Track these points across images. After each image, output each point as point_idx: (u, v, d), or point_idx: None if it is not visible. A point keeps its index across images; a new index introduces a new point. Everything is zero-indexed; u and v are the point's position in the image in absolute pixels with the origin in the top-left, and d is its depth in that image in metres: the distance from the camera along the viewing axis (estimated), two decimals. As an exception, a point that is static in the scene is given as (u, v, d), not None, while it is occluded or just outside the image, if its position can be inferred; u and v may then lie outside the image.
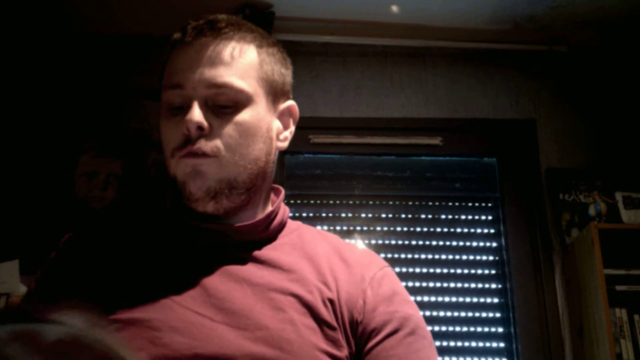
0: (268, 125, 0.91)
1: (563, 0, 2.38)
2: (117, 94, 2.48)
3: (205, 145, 0.84)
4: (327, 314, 0.83)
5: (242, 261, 0.86)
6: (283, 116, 0.95)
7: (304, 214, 2.47)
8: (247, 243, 0.88)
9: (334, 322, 0.83)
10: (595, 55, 2.66)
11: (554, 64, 2.66)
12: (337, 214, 2.48)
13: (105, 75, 2.51)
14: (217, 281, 0.83)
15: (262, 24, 2.43)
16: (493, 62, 2.66)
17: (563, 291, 2.34)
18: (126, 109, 2.46)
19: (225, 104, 0.86)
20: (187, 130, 0.84)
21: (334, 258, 0.90)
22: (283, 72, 0.94)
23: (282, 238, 0.92)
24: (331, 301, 0.84)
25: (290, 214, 1.00)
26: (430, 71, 2.65)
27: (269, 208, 0.94)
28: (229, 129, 0.85)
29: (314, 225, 2.52)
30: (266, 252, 0.88)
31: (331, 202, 2.50)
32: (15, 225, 2.25)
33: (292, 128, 0.97)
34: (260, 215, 0.91)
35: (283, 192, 0.98)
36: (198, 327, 0.78)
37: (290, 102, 0.97)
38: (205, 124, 0.84)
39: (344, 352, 0.82)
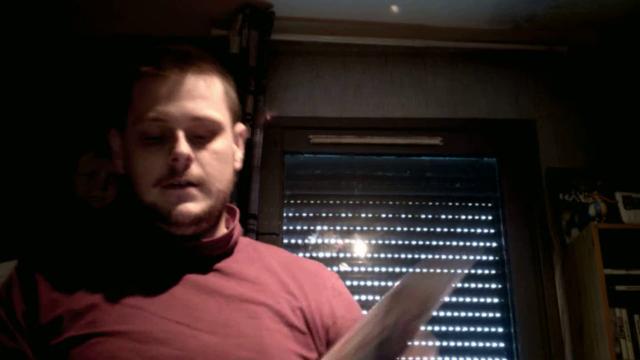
0: (233, 150, 0.99)
1: (563, 0, 2.38)
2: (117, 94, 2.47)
3: (191, 175, 0.89)
4: (297, 321, 0.90)
5: (208, 273, 0.92)
6: (237, 138, 1.02)
7: (304, 214, 2.47)
8: (210, 257, 0.94)
9: (304, 328, 0.91)
10: (596, 55, 2.66)
11: (554, 64, 2.66)
12: (337, 214, 2.48)
13: (106, 76, 2.51)
14: (190, 293, 0.88)
15: (262, 24, 2.44)
16: (493, 62, 2.65)
17: (563, 291, 2.34)
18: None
19: (204, 134, 0.92)
20: (175, 162, 0.88)
21: (294, 268, 0.98)
22: (237, 97, 1.01)
23: (239, 253, 0.98)
24: (301, 309, 0.92)
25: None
26: (430, 71, 2.65)
27: (230, 225, 1.01)
28: (208, 158, 0.92)
29: (314, 225, 2.53)
30: (228, 264, 0.94)
31: (331, 202, 2.50)
32: (15, 225, 2.25)
33: (242, 148, 1.04)
34: (222, 232, 0.98)
35: (238, 211, 1.05)
36: (181, 337, 0.81)
37: (242, 126, 1.04)
38: (192, 155, 0.89)
39: (314, 355, 0.89)
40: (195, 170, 0.90)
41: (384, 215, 2.49)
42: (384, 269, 2.39)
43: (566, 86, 2.64)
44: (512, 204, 2.47)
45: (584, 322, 2.18)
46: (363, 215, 2.49)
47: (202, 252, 0.93)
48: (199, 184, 0.90)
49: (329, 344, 0.91)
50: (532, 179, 2.49)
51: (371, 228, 2.46)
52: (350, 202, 2.50)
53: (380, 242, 2.44)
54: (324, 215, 2.48)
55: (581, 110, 2.60)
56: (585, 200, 2.40)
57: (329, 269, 1.06)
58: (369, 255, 2.42)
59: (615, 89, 2.63)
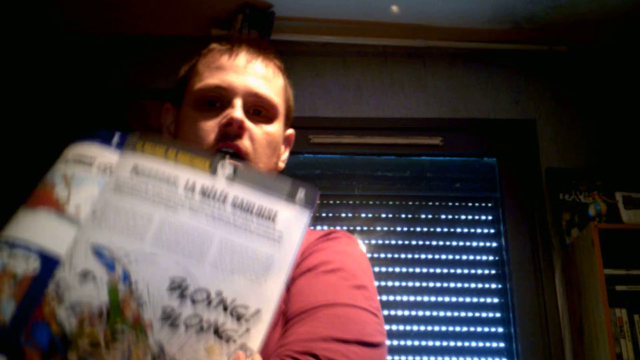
0: (280, 144, 0.98)
1: (563, 0, 2.38)
2: (118, 94, 2.48)
3: (241, 145, 0.89)
4: None
5: None
6: (285, 140, 1.03)
7: (304, 214, 2.46)
8: None
9: None
10: (595, 55, 2.66)
11: (554, 64, 2.66)
12: (337, 214, 2.48)
13: (106, 76, 2.52)
14: None
15: (262, 24, 2.44)
16: (493, 62, 2.66)
17: (563, 291, 2.34)
18: (127, 109, 2.46)
19: (260, 113, 0.93)
20: (228, 127, 0.88)
21: None
22: (293, 105, 1.03)
23: None
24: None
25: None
26: (430, 71, 2.65)
27: None
28: (260, 136, 0.91)
29: (314, 225, 2.52)
30: None
31: (331, 202, 2.50)
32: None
33: (287, 153, 1.04)
34: None
35: None
36: None
37: (292, 130, 1.04)
38: (246, 124, 0.89)
39: None
40: (245, 142, 0.89)
41: (384, 215, 2.49)
42: (384, 269, 2.39)
43: (566, 86, 2.64)
44: (512, 204, 2.47)
45: (584, 322, 2.18)
46: (363, 215, 2.49)
47: None
48: (246, 158, 0.89)
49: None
50: (532, 179, 2.49)
51: (371, 228, 2.46)
52: (350, 202, 2.50)
53: (380, 242, 2.45)
54: (324, 215, 2.48)
55: (581, 111, 2.60)
56: (585, 200, 2.40)
57: None
58: (369, 255, 2.42)
59: (615, 89, 2.63)
